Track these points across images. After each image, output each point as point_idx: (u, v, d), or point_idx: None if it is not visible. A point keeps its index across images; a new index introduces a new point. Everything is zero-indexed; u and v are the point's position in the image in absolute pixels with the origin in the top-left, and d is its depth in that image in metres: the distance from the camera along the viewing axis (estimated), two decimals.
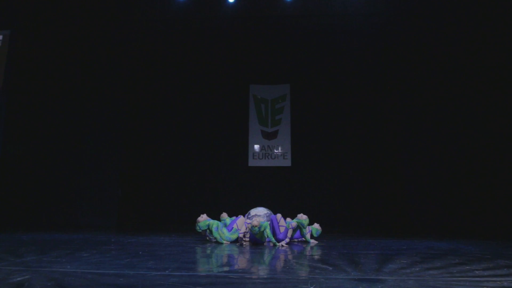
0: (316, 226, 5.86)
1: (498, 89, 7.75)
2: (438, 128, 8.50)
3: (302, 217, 5.42)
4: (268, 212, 5.94)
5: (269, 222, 5.29)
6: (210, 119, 10.09)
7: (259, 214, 5.87)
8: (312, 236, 5.74)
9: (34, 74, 8.01)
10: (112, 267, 3.13)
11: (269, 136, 9.94)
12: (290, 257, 4.13)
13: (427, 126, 8.61)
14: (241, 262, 3.88)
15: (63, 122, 8.87)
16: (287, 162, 9.73)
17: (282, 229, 5.27)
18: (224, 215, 5.86)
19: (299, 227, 5.42)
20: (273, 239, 5.10)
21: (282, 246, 5.03)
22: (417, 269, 3.16)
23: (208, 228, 5.49)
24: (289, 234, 5.29)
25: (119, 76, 9.59)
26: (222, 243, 5.34)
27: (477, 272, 3.03)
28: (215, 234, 5.39)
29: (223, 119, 10.08)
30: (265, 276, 3.02)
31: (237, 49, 10.21)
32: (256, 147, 9.89)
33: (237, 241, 5.50)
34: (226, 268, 3.41)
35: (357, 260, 3.65)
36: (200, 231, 5.58)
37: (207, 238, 5.63)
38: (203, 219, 5.56)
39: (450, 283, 2.60)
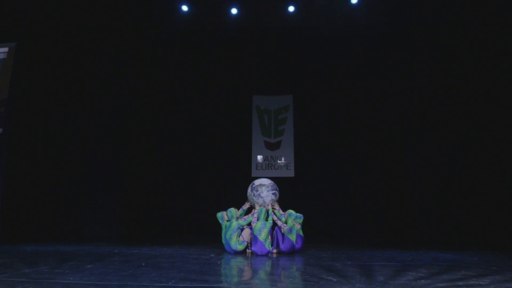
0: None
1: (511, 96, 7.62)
2: (443, 138, 8.39)
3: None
4: (272, 182, 5.89)
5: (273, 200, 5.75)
6: (213, 130, 10.12)
7: (264, 183, 5.84)
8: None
9: (38, 86, 8.06)
10: (115, 279, 3.12)
11: (272, 146, 9.94)
12: (294, 268, 4.09)
13: (433, 136, 8.50)
14: (245, 273, 3.85)
15: (66, 133, 8.91)
16: (290, 173, 9.72)
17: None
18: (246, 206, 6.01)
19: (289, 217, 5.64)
20: (280, 217, 5.61)
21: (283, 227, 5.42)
22: (423, 280, 3.13)
23: (228, 221, 5.58)
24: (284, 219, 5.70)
25: (123, 87, 9.66)
26: (226, 249, 5.43)
27: (483, 284, 3.00)
28: (228, 233, 5.39)
29: (226, 130, 10.11)
30: (270, 287, 2.99)
31: (240, 60, 10.29)
32: (259, 157, 9.89)
33: (244, 252, 5.47)
34: (230, 280, 3.38)
35: (361, 271, 3.62)
36: (221, 218, 5.74)
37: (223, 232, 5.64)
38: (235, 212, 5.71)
39: None
